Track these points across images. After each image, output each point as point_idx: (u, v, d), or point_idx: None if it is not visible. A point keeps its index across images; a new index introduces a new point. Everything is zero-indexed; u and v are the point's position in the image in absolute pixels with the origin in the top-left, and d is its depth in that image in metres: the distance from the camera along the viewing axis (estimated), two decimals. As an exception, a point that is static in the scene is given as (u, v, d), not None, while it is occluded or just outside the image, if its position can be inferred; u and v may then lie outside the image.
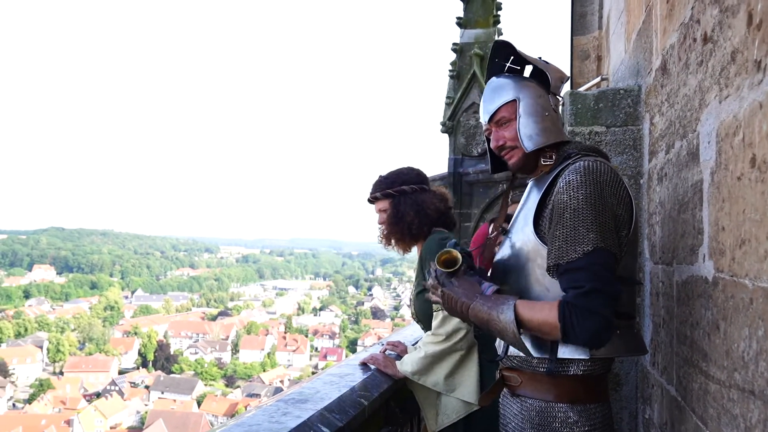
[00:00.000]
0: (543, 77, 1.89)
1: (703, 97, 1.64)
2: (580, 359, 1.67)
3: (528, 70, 1.96)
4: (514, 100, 1.86)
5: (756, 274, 1.20)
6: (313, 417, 1.77)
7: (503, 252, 1.89)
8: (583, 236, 1.60)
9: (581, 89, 3.76)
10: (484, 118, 1.94)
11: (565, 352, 1.66)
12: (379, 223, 2.73)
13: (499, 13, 6.46)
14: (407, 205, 2.63)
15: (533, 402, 1.75)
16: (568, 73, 2.03)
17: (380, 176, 2.76)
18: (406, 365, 2.51)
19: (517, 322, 1.63)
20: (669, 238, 2.04)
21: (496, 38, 6.25)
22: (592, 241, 1.59)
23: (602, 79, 4.05)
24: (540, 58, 1.93)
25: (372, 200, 2.76)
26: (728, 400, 1.36)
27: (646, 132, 2.56)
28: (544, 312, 1.61)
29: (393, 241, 2.71)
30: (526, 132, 1.83)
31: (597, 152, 1.81)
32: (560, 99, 1.94)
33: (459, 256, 1.78)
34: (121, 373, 69.31)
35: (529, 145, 1.82)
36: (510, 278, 1.82)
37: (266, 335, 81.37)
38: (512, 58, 1.95)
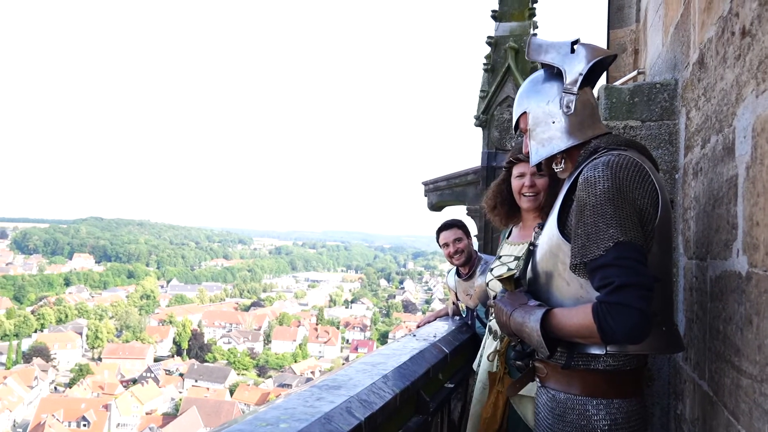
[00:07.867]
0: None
1: (739, 91, 1.63)
2: (600, 354, 1.70)
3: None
4: (525, 113, 1.95)
5: (789, 269, 1.20)
6: (345, 403, 1.82)
7: (540, 248, 1.93)
8: (603, 232, 1.60)
9: (617, 83, 3.72)
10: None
11: (581, 348, 1.72)
12: (529, 187, 2.63)
13: (534, 6, 6.37)
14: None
15: (556, 393, 1.80)
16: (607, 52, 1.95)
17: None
18: None
19: (542, 326, 1.70)
20: (703, 233, 2.03)
21: (532, 32, 6.20)
22: (612, 237, 1.59)
23: (639, 73, 3.99)
24: (577, 40, 1.89)
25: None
26: (760, 395, 1.36)
27: (682, 126, 2.54)
28: (579, 316, 1.64)
29: (536, 208, 2.65)
30: (533, 147, 1.94)
31: (630, 145, 1.79)
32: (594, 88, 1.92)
33: (513, 274, 2.00)
34: (156, 360, 70.94)
35: (533, 159, 1.93)
36: (540, 274, 1.88)
37: (298, 326, 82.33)
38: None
